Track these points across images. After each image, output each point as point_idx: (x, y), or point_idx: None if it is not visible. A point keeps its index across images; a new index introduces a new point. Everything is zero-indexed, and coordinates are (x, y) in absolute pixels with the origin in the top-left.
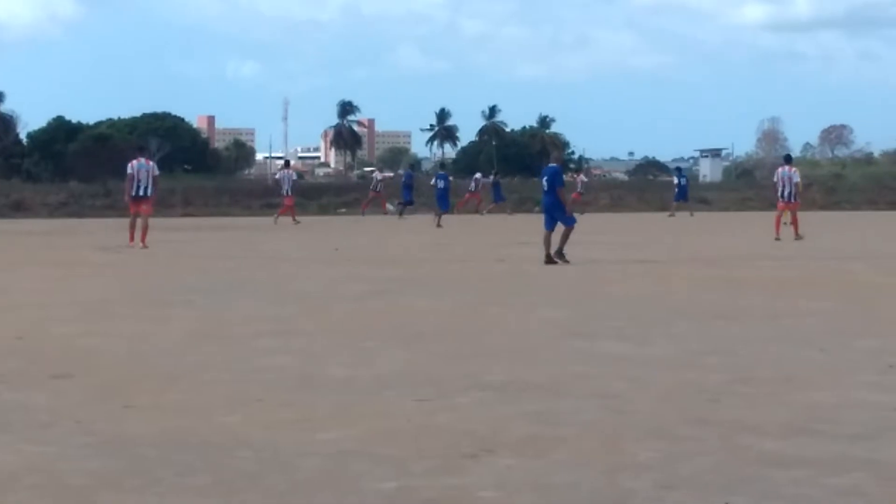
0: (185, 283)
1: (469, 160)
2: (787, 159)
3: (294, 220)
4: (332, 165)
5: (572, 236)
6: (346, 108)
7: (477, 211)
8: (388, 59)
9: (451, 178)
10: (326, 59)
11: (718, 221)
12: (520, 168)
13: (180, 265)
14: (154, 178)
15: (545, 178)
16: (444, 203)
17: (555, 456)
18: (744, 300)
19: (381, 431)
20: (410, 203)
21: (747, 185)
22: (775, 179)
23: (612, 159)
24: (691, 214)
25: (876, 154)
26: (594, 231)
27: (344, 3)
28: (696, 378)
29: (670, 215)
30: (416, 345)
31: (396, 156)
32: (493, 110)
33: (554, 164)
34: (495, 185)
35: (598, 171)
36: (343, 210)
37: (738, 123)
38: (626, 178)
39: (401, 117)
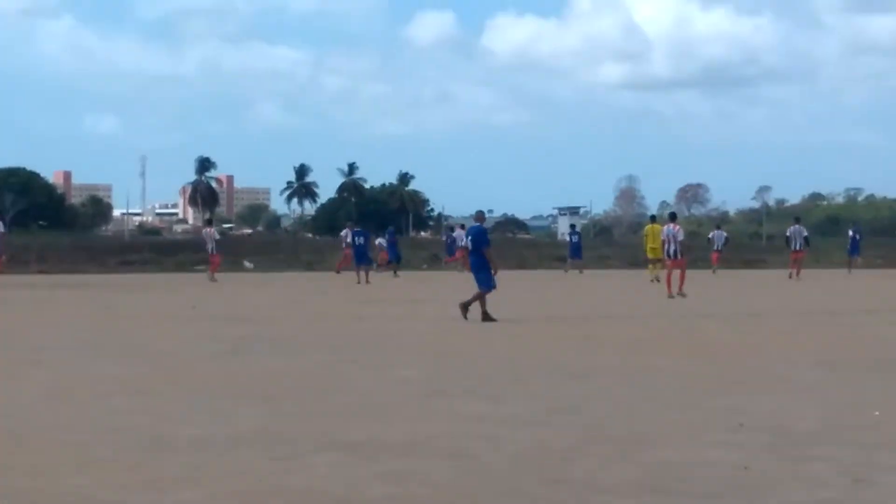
0: (37, 342)
1: (328, 217)
2: (672, 217)
3: (212, 276)
4: (191, 222)
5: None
6: (205, 165)
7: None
8: (248, 115)
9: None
10: (185, 115)
11: (576, 279)
12: (378, 225)
13: (33, 323)
14: (1, 235)
15: (469, 238)
16: (364, 259)
17: None
18: (598, 358)
19: (232, 492)
20: (398, 259)
21: (605, 242)
22: (662, 237)
23: (472, 216)
24: (580, 272)
25: (731, 212)
26: (451, 289)
27: (203, 58)
28: (550, 437)
29: (565, 271)
30: (270, 404)
31: (255, 212)
32: (352, 167)
33: (478, 224)
34: (391, 243)
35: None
36: (202, 267)
37: (597, 181)
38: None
39: (260, 174)
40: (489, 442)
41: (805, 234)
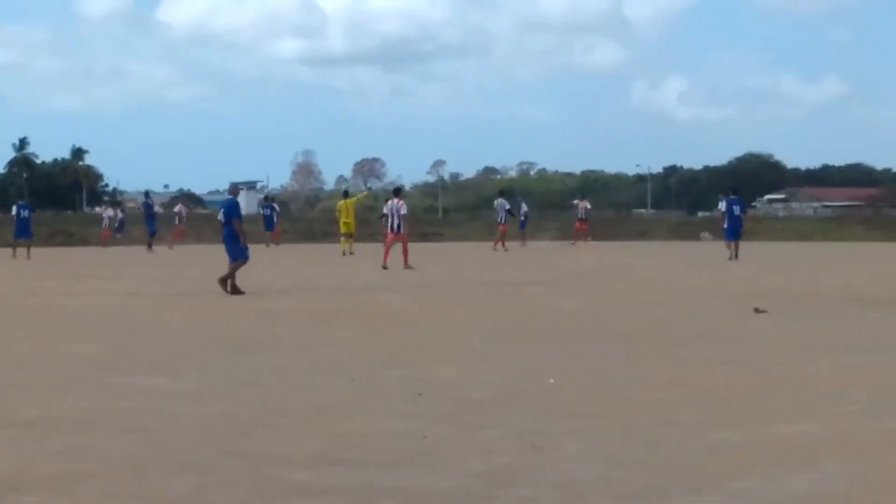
0: None
1: None
2: (397, 192)
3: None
4: None
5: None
6: None
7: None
8: None
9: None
10: None
11: (254, 253)
12: (52, 201)
13: None
14: None
15: (222, 211)
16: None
17: (82, 491)
18: (275, 331)
19: None
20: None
21: (283, 217)
22: (385, 211)
23: (149, 192)
24: (268, 245)
25: (407, 186)
26: (128, 265)
27: None
28: (228, 410)
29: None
30: None
31: None
32: (23, 142)
33: (231, 197)
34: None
35: (132, 204)
36: None
37: (274, 156)
38: (161, 210)
39: None
40: (166, 416)
41: (507, 206)
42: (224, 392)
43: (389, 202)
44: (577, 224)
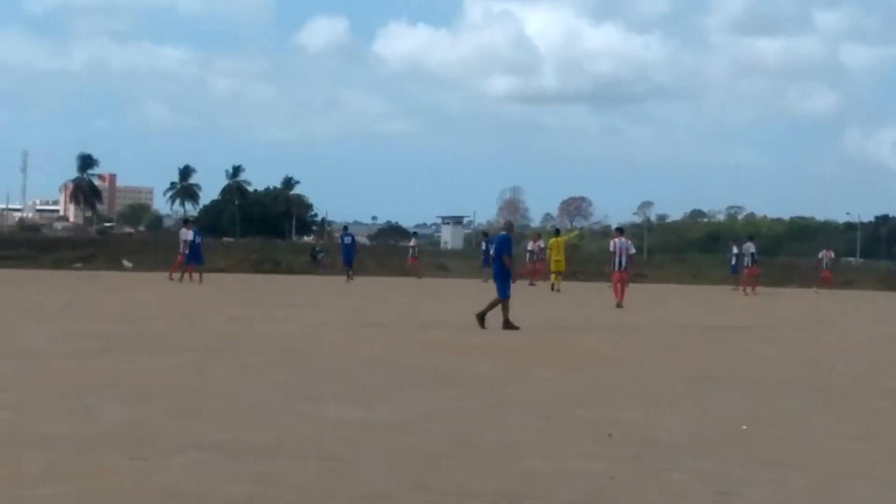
0: None
1: (211, 218)
2: (620, 231)
3: (171, 277)
4: (72, 219)
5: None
6: (87, 162)
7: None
8: (134, 114)
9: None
10: (69, 111)
11: (458, 288)
12: (262, 229)
13: None
14: None
15: (493, 246)
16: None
17: None
18: (471, 367)
19: (94, 490)
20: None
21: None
22: (612, 249)
23: (355, 223)
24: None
25: (613, 227)
26: (331, 294)
27: (91, 56)
28: (417, 442)
29: (484, 281)
30: (137, 403)
31: (137, 212)
32: (237, 169)
33: (504, 233)
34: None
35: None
36: (79, 265)
37: (481, 192)
38: (368, 242)
39: (143, 173)
40: (356, 445)
41: (753, 250)
42: (415, 424)
43: (616, 240)
44: (823, 273)
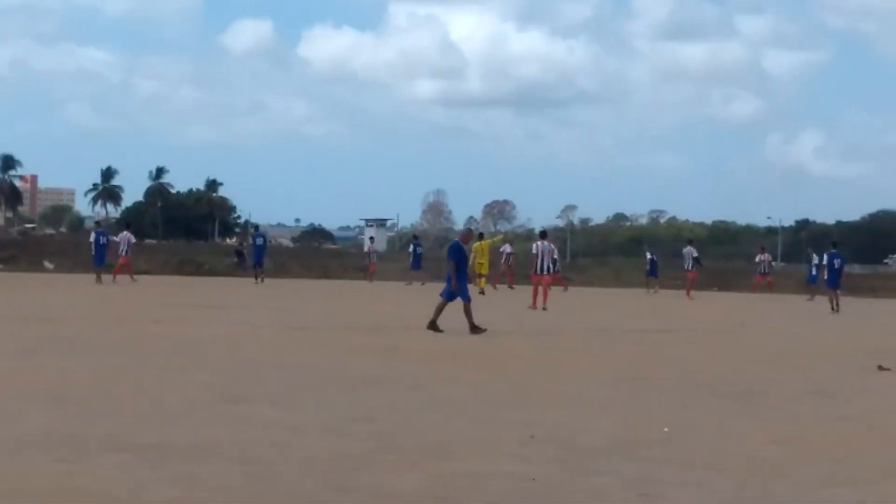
0: None
1: (132, 221)
2: (543, 235)
3: (132, 277)
4: None
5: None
6: (8, 163)
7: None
8: (56, 116)
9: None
10: None
11: (381, 290)
12: (185, 231)
13: None
14: None
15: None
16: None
17: None
18: (395, 369)
19: (18, 492)
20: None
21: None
22: (534, 252)
23: (279, 225)
24: (416, 283)
25: (536, 230)
26: (253, 296)
27: (13, 57)
28: (341, 445)
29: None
30: (60, 406)
31: (59, 213)
32: (160, 171)
33: (456, 240)
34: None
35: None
36: (0, 266)
37: (405, 195)
38: (291, 244)
39: (66, 174)
40: (280, 448)
41: (695, 255)
42: (338, 427)
43: (539, 243)
44: (759, 278)
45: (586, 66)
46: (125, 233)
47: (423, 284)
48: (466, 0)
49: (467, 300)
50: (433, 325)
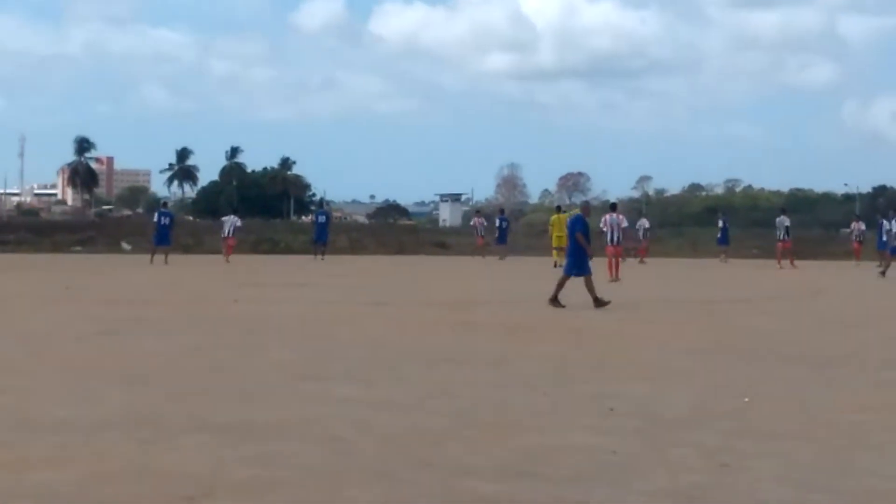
0: None
1: (209, 200)
2: (613, 207)
3: (227, 259)
4: (70, 203)
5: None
6: (83, 145)
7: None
8: (131, 98)
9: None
10: (67, 95)
11: (457, 265)
12: (261, 209)
13: None
14: None
15: (567, 226)
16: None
17: (272, 498)
18: (472, 344)
19: (98, 473)
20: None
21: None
22: (601, 226)
23: (354, 202)
24: (501, 258)
25: (612, 201)
26: (330, 274)
27: (88, 39)
28: (420, 421)
29: (500, 258)
30: (141, 386)
31: (135, 194)
32: (234, 151)
33: (579, 213)
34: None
35: (338, 214)
36: (78, 248)
37: (479, 169)
38: (366, 221)
39: (141, 156)
40: (360, 426)
41: (787, 224)
42: (417, 404)
43: (608, 216)
44: (856, 245)
45: (658, 35)
46: (232, 216)
47: (501, 259)
48: None
49: (589, 273)
50: (599, 302)
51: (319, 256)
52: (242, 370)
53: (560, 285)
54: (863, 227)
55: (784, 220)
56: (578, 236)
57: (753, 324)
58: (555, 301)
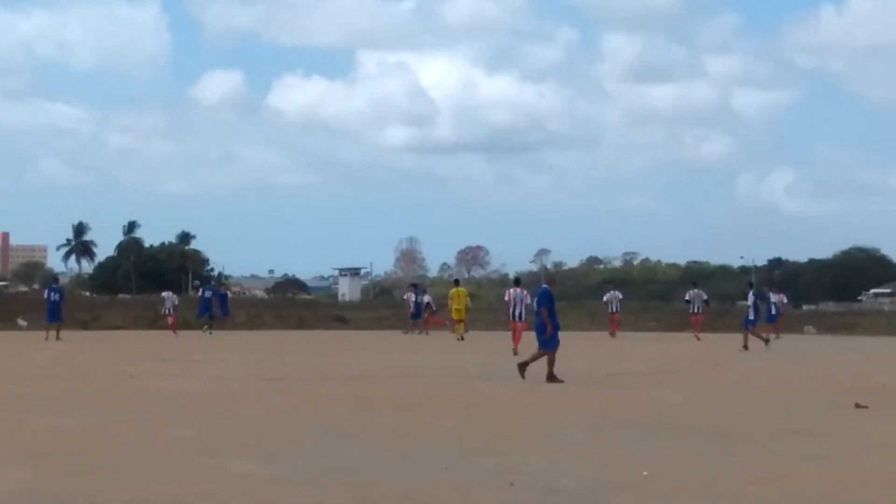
0: None
1: (107, 276)
2: (517, 282)
3: (175, 333)
4: None
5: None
6: None
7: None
8: (28, 172)
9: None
10: None
11: (355, 339)
12: (158, 284)
13: None
14: None
15: (535, 299)
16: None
17: None
18: (371, 418)
19: None
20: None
21: (385, 303)
22: (507, 299)
23: (253, 276)
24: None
25: (511, 275)
26: (228, 349)
27: None
28: (322, 498)
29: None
30: (36, 464)
31: (31, 270)
32: (132, 225)
33: (545, 286)
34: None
35: (237, 289)
36: None
37: (378, 243)
38: (265, 296)
39: (38, 231)
40: (258, 501)
41: (704, 297)
42: (317, 480)
43: (512, 290)
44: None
45: (557, 109)
46: (169, 292)
47: (420, 333)
48: (435, 47)
49: (554, 348)
50: (552, 378)
51: (207, 330)
52: (140, 446)
53: (550, 362)
54: (783, 298)
55: (701, 294)
56: (543, 313)
57: (652, 396)
58: (551, 377)
